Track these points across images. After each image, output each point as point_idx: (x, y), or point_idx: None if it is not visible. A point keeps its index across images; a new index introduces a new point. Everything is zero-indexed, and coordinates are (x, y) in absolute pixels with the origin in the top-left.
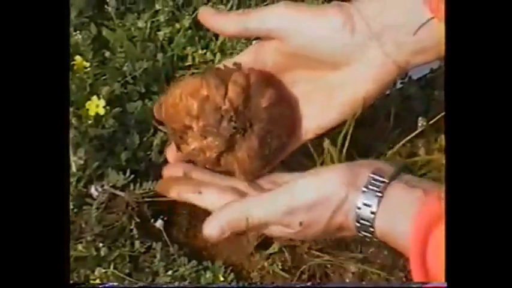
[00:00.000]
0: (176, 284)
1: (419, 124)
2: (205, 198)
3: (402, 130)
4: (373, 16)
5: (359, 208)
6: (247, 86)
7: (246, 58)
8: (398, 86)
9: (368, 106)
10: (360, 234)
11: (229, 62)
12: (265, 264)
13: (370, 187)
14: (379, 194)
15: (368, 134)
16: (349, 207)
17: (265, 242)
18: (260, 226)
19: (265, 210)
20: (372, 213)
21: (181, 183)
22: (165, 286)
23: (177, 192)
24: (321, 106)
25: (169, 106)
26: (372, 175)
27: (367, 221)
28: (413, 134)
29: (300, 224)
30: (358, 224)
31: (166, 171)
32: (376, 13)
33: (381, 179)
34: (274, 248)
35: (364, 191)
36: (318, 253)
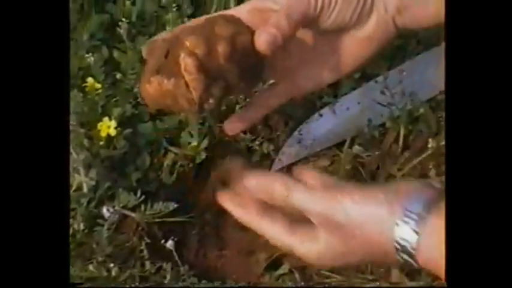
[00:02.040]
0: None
1: (429, 145)
2: (264, 227)
3: (412, 152)
4: None
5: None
6: (199, 64)
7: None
8: (408, 107)
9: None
10: (400, 259)
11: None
12: (276, 285)
13: (406, 219)
14: (417, 230)
15: (377, 156)
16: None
17: (275, 263)
18: (296, 208)
19: (308, 202)
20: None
21: (245, 202)
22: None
23: (240, 213)
24: (323, 63)
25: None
26: (407, 211)
27: (408, 241)
28: (424, 155)
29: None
30: (398, 246)
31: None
32: None
33: (415, 215)
34: (285, 268)
35: (398, 224)
36: (328, 273)
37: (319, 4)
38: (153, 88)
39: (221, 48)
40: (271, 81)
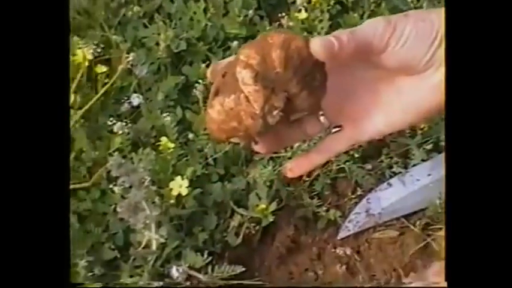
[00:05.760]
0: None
1: None
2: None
3: None
4: None
5: None
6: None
7: None
8: None
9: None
10: None
11: None
12: None
13: None
14: None
15: None
16: None
17: None
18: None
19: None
20: None
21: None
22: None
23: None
24: (390, 106)
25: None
26: None
27: None
28: None
29: None
30: None
31: None
32: None
33: None
34: None
35: None
36: None
37: (387, 36)
38: (216, 111)
39: (275, 54)
40: (337, 125)
